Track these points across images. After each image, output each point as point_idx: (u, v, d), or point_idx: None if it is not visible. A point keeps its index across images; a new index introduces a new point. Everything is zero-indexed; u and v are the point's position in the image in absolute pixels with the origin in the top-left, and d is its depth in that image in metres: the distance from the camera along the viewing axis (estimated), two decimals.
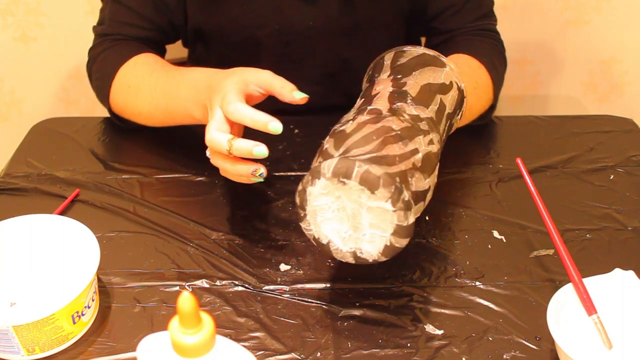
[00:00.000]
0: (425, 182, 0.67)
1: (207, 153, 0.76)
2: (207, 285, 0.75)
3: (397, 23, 1.03)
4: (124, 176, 0.91)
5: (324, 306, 0.73)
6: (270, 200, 0.87)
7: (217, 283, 0.76)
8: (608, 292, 0.68)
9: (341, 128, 0.70)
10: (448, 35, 1.01)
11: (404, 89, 0.74)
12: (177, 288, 0.75)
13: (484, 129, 0.99)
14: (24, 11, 1.43)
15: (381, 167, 0.62)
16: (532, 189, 0.72)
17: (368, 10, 0.98)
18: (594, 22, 1.46)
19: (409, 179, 0.65)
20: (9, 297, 0.73)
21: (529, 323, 0.70)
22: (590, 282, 0.67)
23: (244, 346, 0.61)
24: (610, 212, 0.84)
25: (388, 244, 0.64)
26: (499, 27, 1.04)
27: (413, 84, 0.75)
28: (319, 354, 0.68)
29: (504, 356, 0.67)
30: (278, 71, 1.04)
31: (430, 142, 0.70)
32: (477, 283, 0.75)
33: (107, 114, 1.00)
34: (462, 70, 0.82)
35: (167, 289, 0.75)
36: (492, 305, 0.72)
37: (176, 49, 1.13)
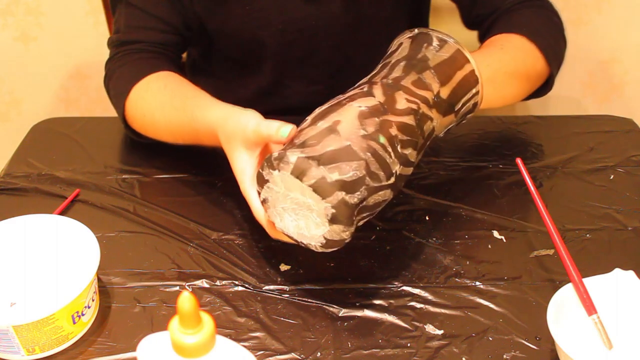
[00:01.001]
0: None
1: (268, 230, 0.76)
2: (207, 285, 0.75)
3: (399, 19, 1.03)
4: (124, 176, 0.92)
5: (324, 306, 0.73)
6: None
7: (217, 283, 0.76)
8: (608, 292, 0.68)
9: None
10: (493, 17, 0.97)
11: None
12: (177, 288, 0.75)
13: (483, 128, 0.99)
14: (24, 11, 1.43)
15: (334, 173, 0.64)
16: (532, 189, 0.72)
17: (370, 7, 0.98)
18: (594, 22, 1.46)
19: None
20: (9, 297, 0.73)
21: (529, 323, 0.70)
22: (590, 282, 0.67)
23: (244, 346, 0.61)
24: (610, 212, 0.84)
25: (328, 236, 0.67)
26: None
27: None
28: (319, 354, 0.68)
29: (504, 356, 0.67)
30: (281, 71, 1.04)
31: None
32: (477, 283, 0.75)
33: (107, 114, 1.00)
34: (490, 50, 0.82)
35: (167, 289, 0.75)
36: (492, 305, 0.72)
37: None
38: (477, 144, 0.97)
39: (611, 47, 1.50)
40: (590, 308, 0.66)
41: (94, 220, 0.80)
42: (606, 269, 0.69)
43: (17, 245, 0.75)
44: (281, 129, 0.70)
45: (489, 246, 0.80)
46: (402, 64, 0.77)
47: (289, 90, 1.04)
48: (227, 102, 0.80)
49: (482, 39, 0.97)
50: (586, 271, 0.68)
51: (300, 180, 0.65)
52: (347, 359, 0.67)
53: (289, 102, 1.01)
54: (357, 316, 0.72)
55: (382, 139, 0.68)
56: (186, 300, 0.45)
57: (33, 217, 0.75)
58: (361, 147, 0.67)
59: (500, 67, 0.85)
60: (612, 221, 0.83)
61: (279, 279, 0.76)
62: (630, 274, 0.68)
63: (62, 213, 0.84)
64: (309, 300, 0.74)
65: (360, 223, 0.70)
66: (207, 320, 0.47)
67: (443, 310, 0.72)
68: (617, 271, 0.68)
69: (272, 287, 0.75)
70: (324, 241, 0.67)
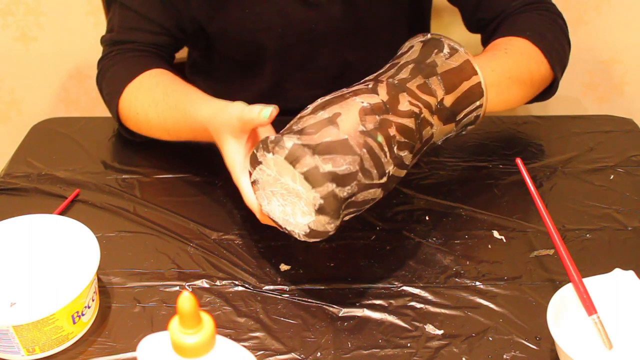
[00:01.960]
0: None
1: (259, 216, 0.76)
2: (207, 285, 0.75)
3: (398, 23, 1.03)
4: (124, 176, 0.92)
5: (324, 306, 0.73)
6: None
7: (217, 283, 0.76)
8: (608, 292, 0.68)
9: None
10: (497, 21, 0.97)
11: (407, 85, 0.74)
12: (177, 288, 0.75)
13: (483, 128, 0.99)
14: (24, 11, 1.43)
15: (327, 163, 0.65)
16: (532, 189, 0.72)
17: (370, 11, 0.98)
18: (594, 22, 1.46)
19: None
20: (9, 297, 0.73)
21: (529, 323, 0.70)
22: (590, 282, 0.67)
23: (244, 346, 0.61)
24: (610, 212, 0.84)
25: (312, 226, 0.67)
26: None
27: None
28: (319, 354, 0.68)
29: (504, 356, 0.67)
30: (281, 74, 1.04)
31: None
32: (477, 283, 0.75)
33: (107, 114, 1.00)
34: (494, 54, 0.82)
35: (167, 289, 0.75)
36: (492, 305, 0.72)
37: None
38: (477, 144, 0.97)
39: (611, 47, 1.50)
40: (590, 308, 0.66)
41: (94, 220, 0.80)
42: (606, 269, 0.69)
43: (17, 245, 0.75)
44: (263, 111, 0.71)
45: (489, 246, 0.80)
46: (410, 66, 0.77)
47: (289, 93, 1.03)
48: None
49: (486, 42, 0.97)
50: (586, 271, 0.68)
51: (293, 166, 0.65)
52: (347, 359, 0.67)
53: (290, 105, 1.01)
54: (357, 316, 0.72)
55: (380, 138, 0.68)
56: (186, 300, 0.45)
57: (33, 217, 0.75)
58: (358, 142, 0.67)
59: (504, 72, 0.85)
60: (612, 221, 0.83)
61: (279, 279, 0.76)
62: (630, 274, 0.68)
63: (62, 213, 0.84)
64: (309, 300, 0.74)
65: (346, 218, 0.70)
66: (207, 320, 0.47)
67: (443, 310, 0.72)
68: (617, 271, 0.68)
69: (272, 287, 0.75)
70: (308, 230, 0.68)
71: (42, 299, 0.73)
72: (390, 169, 0.69)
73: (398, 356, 0.67)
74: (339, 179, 0.65)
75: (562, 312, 0.66)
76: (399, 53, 0.82)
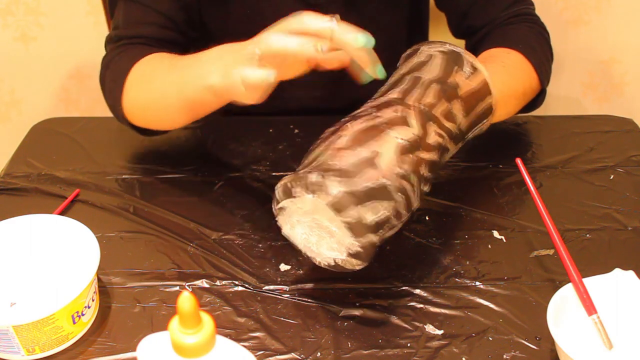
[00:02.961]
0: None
1: (257, 50, 0.72)
2: (207, 285, 0.75)
3: (398, 25, 1.03)
4: (124, 176, 0.92)
5: (324, 306, 0.73)
6: (270, 200, 0.86)
7: (217, 283, 0.76)
8: (608, 292, 0.68)
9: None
10: (485, 30, 0.98)
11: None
12: (177, 288, 0.75)
13: None
14: (24, 11, 1.43)
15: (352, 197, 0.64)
16: (532, 189, 0.72)
17: (370, 12, 0.98)
18: (594, 22, 1.46)
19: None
20: (9, 297, 0.73)
21: (529, 323, 0.70)
22: (590, 282, 0.67)
23: (244, 346, 0.61)
24: (610, 212, 0.84)
25: (340, 262, 0.68)
26: None
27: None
28: (319, 354, 0.68)
29: (504, 356, 0.67)
30: None
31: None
32: (477, 283, 0.75)
33: (107, 114, 1.00)
34: (493, 68, 0.81)
35: (167, 289, 0.75)
36: (492, 305, 0.72)
37: None
38: (477, 144, 0.97)
39: (611, 47, 1.50)
40: (590, 308, 0.66)
41: (94, 220, 0.80)
42: (606, 269, 0.69)
43: (17, 245, 0.75)
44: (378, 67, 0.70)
45: (489, 246, 0.80)
46: (434, 87, 0.74)
47: (289, 94, 1.03)
48: (228, 103, 0.79)
49: (473, 49, 0.97)
50: (586, 271, 0.68)
51: (335, 213, 0.64)
52: (347, 359, 0.67)
53: (290, 106, 1.01)
54: (357, 316, 0.72)
55: (413, 178, 0.68)
56: (186, 300, 0.45)
57: (33, 217, 0.75)
58: (396, 187, 0.67)
59: (504, 89, 0.85)
60: (612, 221, 0.83)
61: (279, 279, 0.76)
62: (630, 274, 0.68)
63: (62, 213, 0.84)
64: (309, 300, 0.74)
65: None
66: (207, 320, 0.47)
67: (443, 310, 0.72)
68: (617, 271, 0.68)
69: (272, 287, 0.75)
70: (333, 264, 0.69)
71: (42, 299, 0.73)
72: (416, 205, 0.70)
73: (398, 356, 0.67)
74: (377, 227, 0.66)
75: (562, 312, 0.66)
76: (417, 61, 0.78)
